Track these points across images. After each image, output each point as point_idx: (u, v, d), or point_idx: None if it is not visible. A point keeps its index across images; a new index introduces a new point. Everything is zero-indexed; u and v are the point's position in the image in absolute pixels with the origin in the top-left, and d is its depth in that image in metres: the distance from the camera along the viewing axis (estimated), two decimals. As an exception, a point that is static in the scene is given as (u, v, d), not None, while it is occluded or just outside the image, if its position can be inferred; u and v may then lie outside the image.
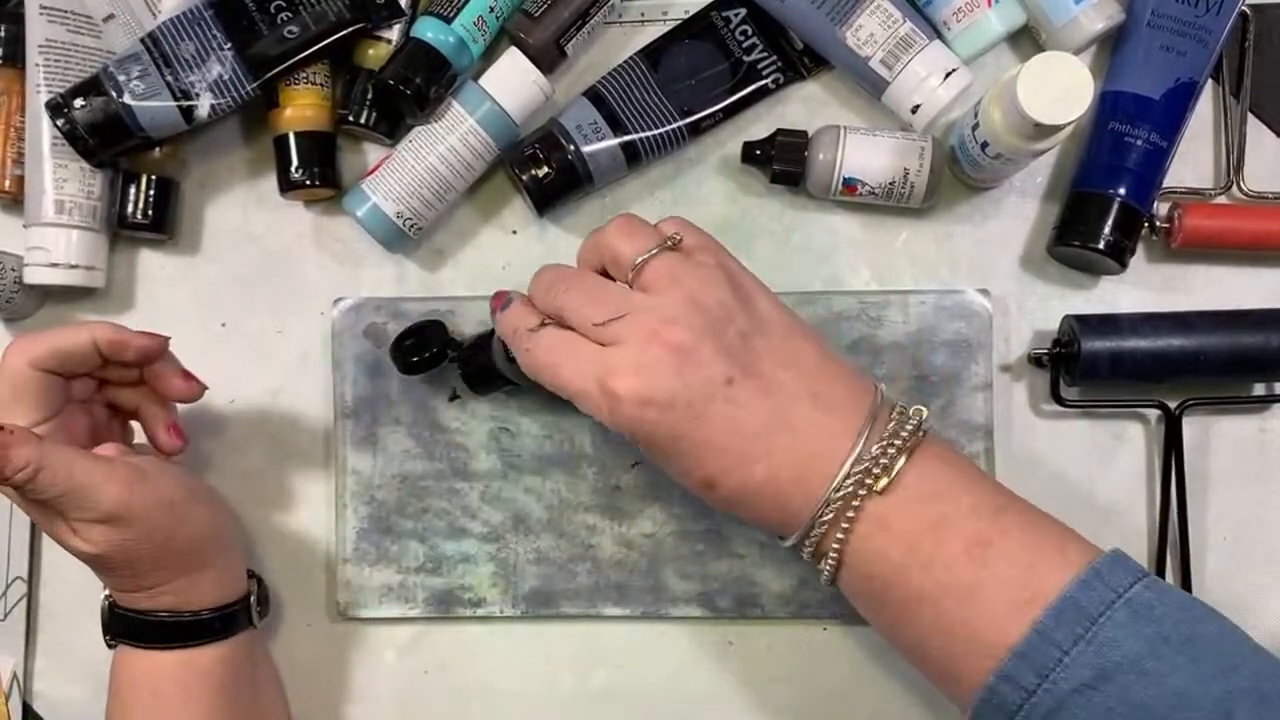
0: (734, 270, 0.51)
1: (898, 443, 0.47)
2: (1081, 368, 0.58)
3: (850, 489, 0.47)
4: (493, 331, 0.57)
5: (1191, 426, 0.61)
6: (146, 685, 0.55)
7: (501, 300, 0.54)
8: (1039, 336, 0.62)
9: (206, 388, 0.58)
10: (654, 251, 0.50)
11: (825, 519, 0.48)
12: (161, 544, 0.53)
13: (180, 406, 0.62)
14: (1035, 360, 0.61)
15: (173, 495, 0.53)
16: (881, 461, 0.47)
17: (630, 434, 0.49)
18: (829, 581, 0.50)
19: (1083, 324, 0.58)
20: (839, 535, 0.48)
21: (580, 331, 0.50)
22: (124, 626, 0.56)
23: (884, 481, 0.47)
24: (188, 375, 0.57)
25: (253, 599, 0.59)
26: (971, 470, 0.49)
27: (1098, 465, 0.62)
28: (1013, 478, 0.61)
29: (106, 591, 0.56)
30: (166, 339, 0.56)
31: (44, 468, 0.49)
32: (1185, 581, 0.60)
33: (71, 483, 0.50)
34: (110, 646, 0.57)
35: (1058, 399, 0.61)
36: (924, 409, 0.49)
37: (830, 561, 0.49)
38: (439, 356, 0.59)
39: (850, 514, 0.47)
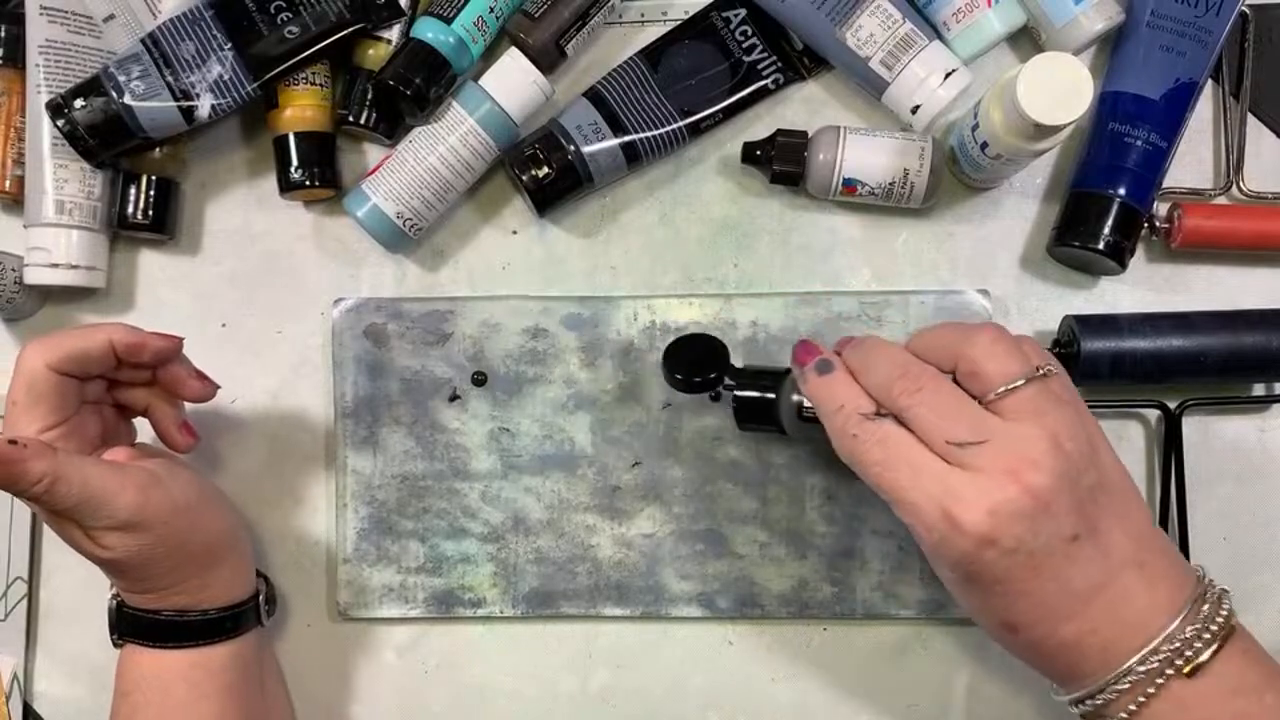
0: (1085, 414, 0.48)
1: (1214, 628, 0.46)
2: (1081, 368, 0.58)
3: (1156, 665, 0.45)
4: (785, 373, 0.54)
5: (1191, 426, 0.61)
6: (156, 684, 0.55)
7: (814, 358, 0.51)
8: (1039, 337, 0.62)
9: (219, 387, 0.58)
10: (1023, 382, 0.46)
11: (1119, 689, 0.46)
12: (176, 547, 0.53)
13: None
14: None
15: (187, 498, 0.54)
16: (1195, 645, 0.45)
17: (952, 564, 0.46)
18: None
19: (1083, 324, 0.58)
20: (1131, 707, 0.46)
21: (926, 441, 0.46)
22: (133, 626, 0.56)
23: (1196, 662, 0.45)
24: (201, 375, 0.58)
25: (261, 598, 0.59)
26: (1275, 667, 0.48)
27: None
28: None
29: (113, 591, 0.56)
30: (181, 340, 0.56)
31: (60, 479, 0.49)
32: (1185, 581, 0.60)
33: (87, 492, 0.50)
34: (117, 646, 0.57)
35: None
36: (1230, 592, 0.48)
37: None
38: (717, 381, 0.56)
39: (1150, 690, 0.45)
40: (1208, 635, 0.46)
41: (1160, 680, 0.45)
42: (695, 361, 0.56)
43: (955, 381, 0.48)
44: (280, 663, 0.63)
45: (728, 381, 0.56)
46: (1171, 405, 0.60)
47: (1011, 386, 0.46)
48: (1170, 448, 0.60)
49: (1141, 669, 0.45)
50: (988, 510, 0.44)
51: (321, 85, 0.62)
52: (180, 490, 0.53)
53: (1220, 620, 0.46)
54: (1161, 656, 0.45)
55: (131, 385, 0.57)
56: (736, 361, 0.57)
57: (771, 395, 0.55)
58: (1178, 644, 0.45)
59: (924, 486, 0.45)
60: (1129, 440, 0.62)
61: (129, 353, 0.54)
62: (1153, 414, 0.61)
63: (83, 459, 0.51)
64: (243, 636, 0.57)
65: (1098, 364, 0.58)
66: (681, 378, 0.56)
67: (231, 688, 0.56)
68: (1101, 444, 0.48)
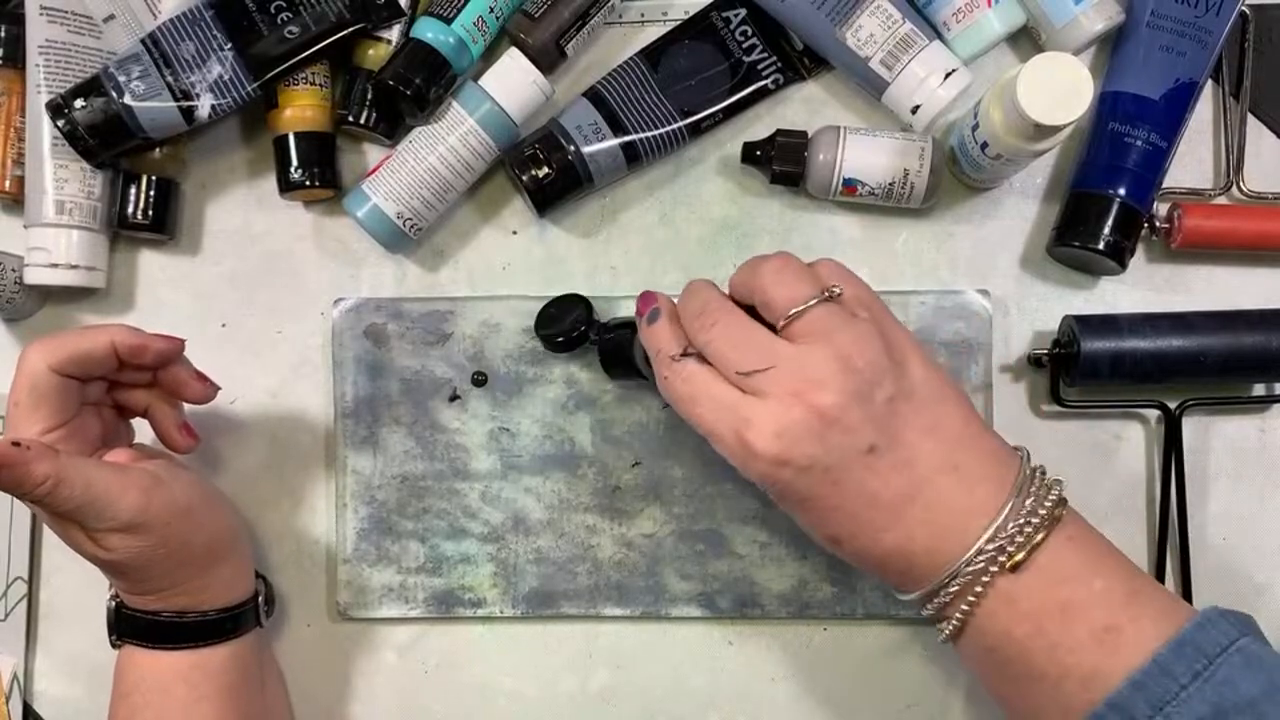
0: (889, 326, 0.49)
1: (1035, 520, 0.46)
2: (1081, 368, 0.58)
3: (981, 565, 0.46)
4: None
5: (1191, 426, 0.61)
6: (155, 685, 0.55)
7: (649, 307, 0.53)
8: (1039, 337, 0.62)
9: (220, 389, 0.58)
10: (811, 304, 0.48)
11: (951, 590, 0.47)
12: (177, 548, 0.53)
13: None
14: (1035, 361, 0.61)
15: (189, 500, 0.54)
16: (1017, 539, 0.46)
17: (760, 484, 0.49)
18: (946, 641, 0.49)
19: (1082, 324, 0.58)
20: (964, 606, 0.47)
21: (723, 373, 0.49)
22: (132, 627, 0.56)
23: (1016, 558, 0.46)
24: (201, 377, 0.58)
25: (261, 599, 0.59)
26: (1105, 549, 0.48)
27: (1098, 465, 0.62)
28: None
29: (112, 592, 0.56)
30: (183, 342, 0.56)
31: (63, 481, 0.49)
32: (1185, 581, 0.60)
33: (90, 494, 0.50)
34: (115, 647, 0.57)
35: (1057, 399, 0.61)
36: (1062, 481, 0.49)
37: (952, 625, 0.48)
38: (582, 338, 0.59)
39: (979, 589, 0.47)
40: (1029, 529, 0.46)
41: (986, 579, 0.46)
42: (563, 321, 0.59)
43: (756, 315, 0.50)
44: (280, 663, 0.63)
45: (592, 337, 0.59)
46: (1171, 405, 0.60)
47: (798, 310, 0.48)
48: (1170, 448, 0.60)
49: (969, 570, 0.46)
50: (775, 432, 0.46)
51: (321, 85, 0.62)
52: (181, 491, 0.53)
53: (1043, 513, 0.47)
54: (986, 556, 0.46)
55: (132, 386, 0.57)
56: (603, 317, 0.60)
57: (627, 343, 0.57)
58: (1000, 542, 0.46)
59: (721, 415, 0.48)
60: (1129, 440, 0.62)
61: (131, 354, 0.54)
62: (1153, 414, 0.61)
63: (85, 461, 0.51)
64: (242, 637, 0.57)
65: (1098, 364, 0.58)
66: (551, 336, 0.59)
67: (230, 689, 0.56)
68: (911, 354, 0.49)
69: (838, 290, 0.49)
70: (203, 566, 0.55)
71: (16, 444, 0.48)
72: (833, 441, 0.46)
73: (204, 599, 0.55)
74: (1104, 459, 0.62)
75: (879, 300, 0.51)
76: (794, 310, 0.48)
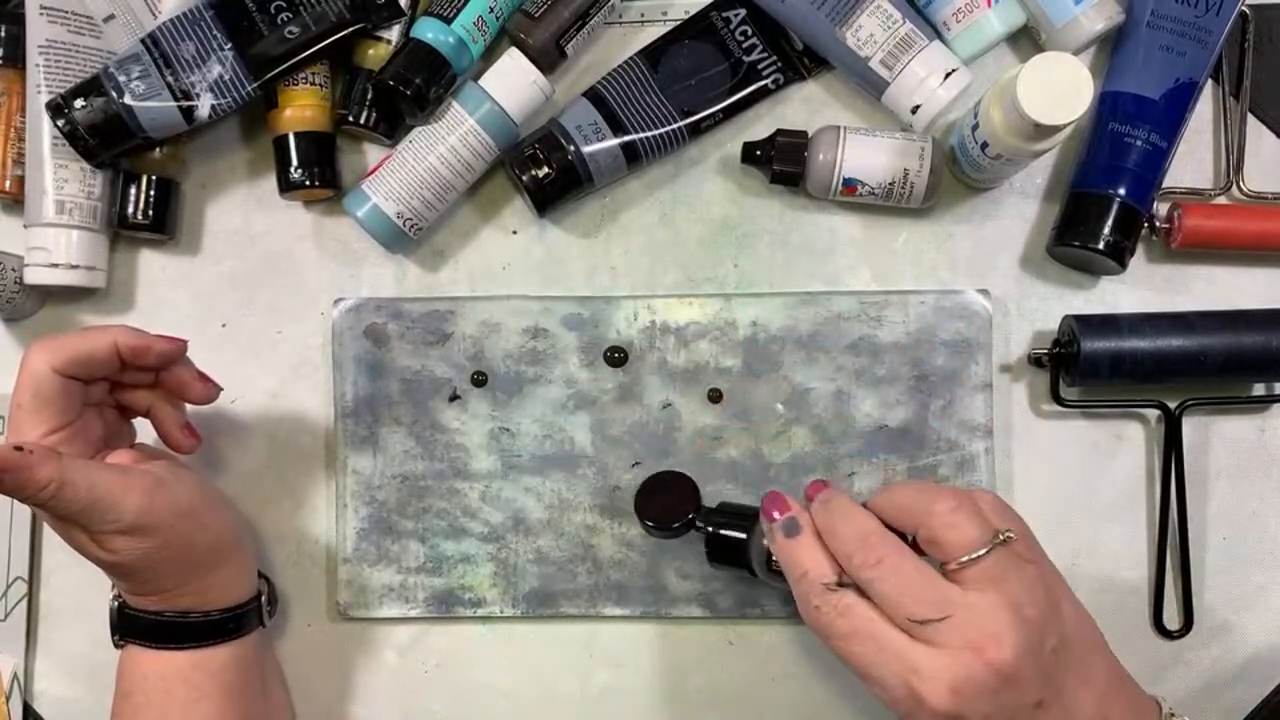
0: (1046, 567, 0.48)
1: None
2: (1081, 368, 0.58)
3: None
4: (756, 515, 0.53)
5: (1191, 426, 0.61)
6: (157, 685, 0.55)
7: (784, 515, 0.50)
8: (1039, 336, 0.62)
9: (222, 389, 0.58)
10: (985, 550, 0.46)
11: None
12: (181, 549, 0.53)
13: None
14: (1035, 360, 0.61)
15: (191, 501, 0.54)
16: None
17: None
18: None
19: (1083, 324, 0.58)
20: None
21: (888, 614, 0.46)
22: (134, 627, 0.56)
23: None
24: (204, 377, 0.57)
25: (263, 598, 0.59)
26: None
27: (1098, 465, 0.62)
28: (1013, 478, 0.62)
29: (115, 592, 0.56)
30: (185, 343, 0.56)
31: (66, 484, 0.49)
32: (1185, 581, 0.60)
33: (93, 496, 0.50)
34: (118, 646, 0.57)
35: (1057, 399, 0.61)
36: None
37: None
38: (689, 525, 0.56)
39: None
40: None
41: None
42: (668, 505, 0.56)
43: (916, 545, 0.48)
44: (280, 663, 0.63)
45: (698, 524, 0.56)
46: (1171, 405, 0.60)
47: (973, 557, 0.46)
48: (1170, 448, 0.60)
49: None
50: (950, 687, 0.44)
51: (321, 85, 0.62)
52: (184, 492, 0.53)
53: None
54: None
55: (134, 387, 0.57)
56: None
57: (743, 536, 0.54)
58: None
59: (888, 662, 0.46)
60: (1129, 440, 0.62)
61: (134, 355, 0.54)
62: (1153, 414, 0.61)
63: (88, 463, 0.51)
64: (244, 638, 0.57)
65: (1098, 364, 0.58)
66: (653, 523, 0.56)
67: (232, 688, 0.56)
68: (1063, 595, 0.48)
69: (1011, 535, 0.47)
70: (206, 567, 0.55)
71: (19, 448, 0.48)
72: (1006, 698, 0.45)
73: (207, 599, 0.55)
74: (1104, 459, 0.62)
75: (1033, 536, 0.49)
76: (969, 556, 0.46)
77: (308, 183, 0.61)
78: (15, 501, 0.62)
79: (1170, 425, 0.60)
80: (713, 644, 0.62)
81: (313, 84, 0.61)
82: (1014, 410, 0.62)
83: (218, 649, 0.56)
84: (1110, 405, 0.61)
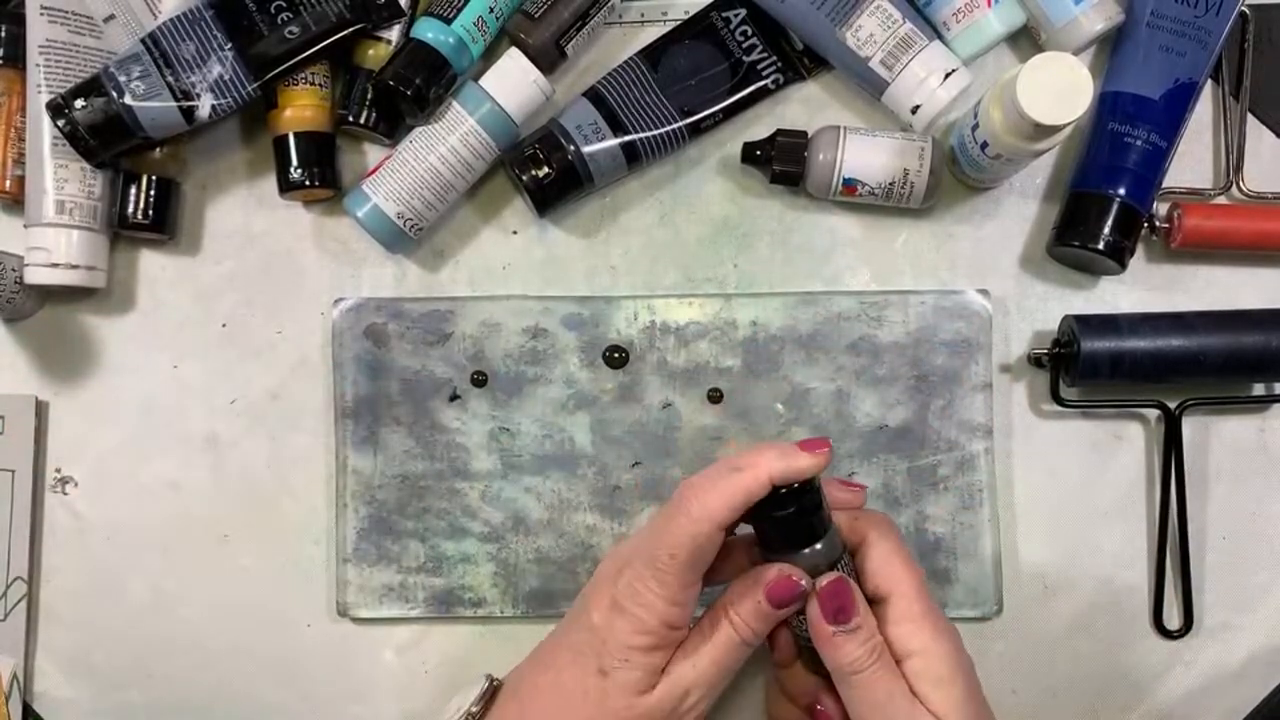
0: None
1: None
2: (1081, 368, 0.58)
3: None
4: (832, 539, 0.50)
5: (1191, 426, 0.61)
6: None
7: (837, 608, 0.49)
8: (1039, 336, 0.62)
9: (866, 487, 0.53)
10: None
11: None
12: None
13: (179, 405, 0.62)
14: (1035, 360, 0.61)
15: None
16: None
17: None
18: None
19: (1082, 324, 0.58)
20: None
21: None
22: None
23: None
24: (847, 483, 0.52)
25: None
26: None
27: (1098, 465, 0.62)
28: (1013, 478, 0.62)
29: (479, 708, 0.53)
30: (863, 488, 0.52)
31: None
32: (1185, 581, 0.60)
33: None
34: None
35: (1057, 399, 0.61)
36: None
37: None
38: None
39: None
40: None
41: None
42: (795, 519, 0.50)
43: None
44: (280, 663, 0.63)
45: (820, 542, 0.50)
46: (1171, 405, 0.60)
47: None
48: (1170, 448, 0.60)
49: None
50: None
51: (321, 85, 0.62)
52: None
53: None
54: None
55: None
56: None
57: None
58: None
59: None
60: (1129, 440, 0.62)
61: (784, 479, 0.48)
62: (1152, 414, 0.61)
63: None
64: None
65: (1097, 364, 0.58)
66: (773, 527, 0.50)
67: None
68: None
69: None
70: None
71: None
72: None
73: None
74: (1104, 459, 0.62)
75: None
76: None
77: (308, 183, 0.61)
78: (15, 501, 0.62)
79: (1170, 425, 0.60)
80: (713, 644, 0.62)
81: (313, 84, 0.61)
82: (1014, 410, 0.62)
83: None
84: (1110, 405, 0.61)
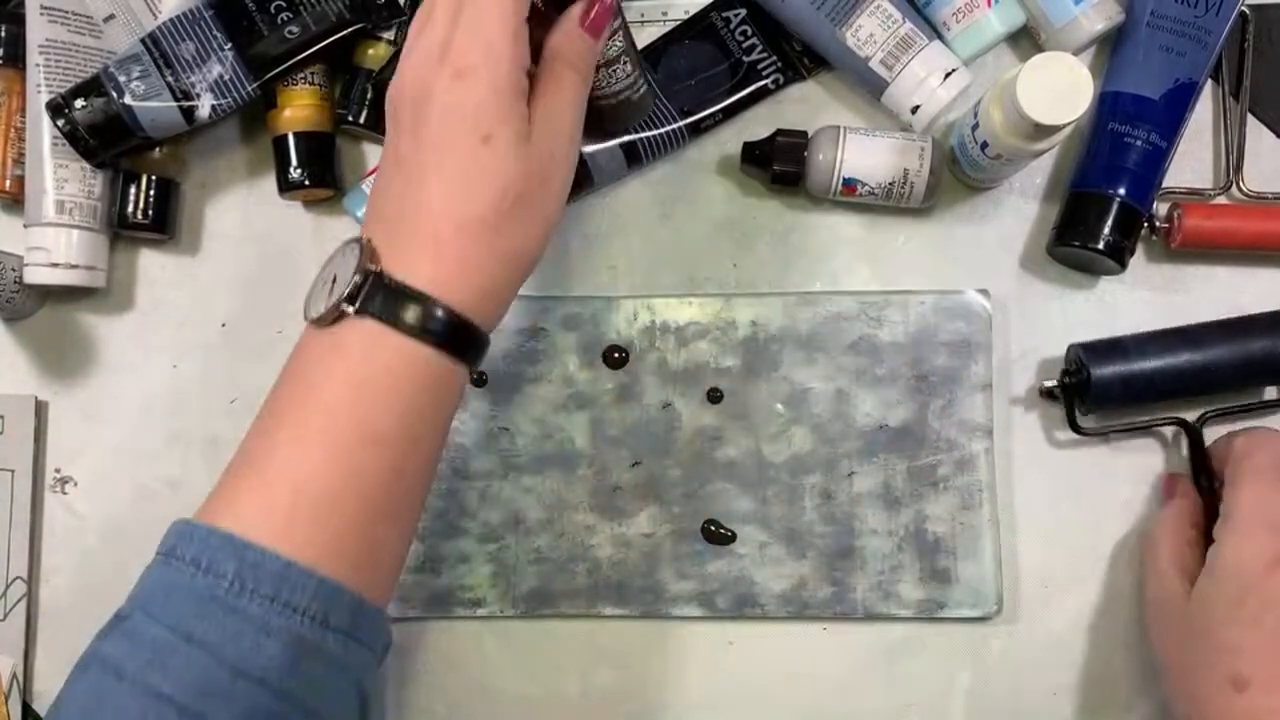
0: None
1: None
2: (1094, 395, 0.57)
3: None
4: None
5: (1213, 438, 0.59)
6: (408, 383, 0.46)
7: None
8: (1038, 334, 0.62)
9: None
10: None
11: None
12: (554, 214, 0.49)
13: (179, 404, 0.62)
14: (1047, 393, 0.61)
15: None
16: None
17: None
18: None
19: (1089, 351, 0.58)
20: None
21: None
22: (394, 300, 0.46)
23: None
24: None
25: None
26: None
27: (1126, 489, 0.61)
28: (1013, 478, 0.61)
29: (363, 264, 0.46)
30: None
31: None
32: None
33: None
34: (337, 318, 0.46)
35: (1075, 428, 0.60)
36: None
37: None
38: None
39: None
40: None
41: None
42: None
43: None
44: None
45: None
46: (1191, 418, 0.59)
47: None
48: (1196, 460, 0.59)
49: None
50: None
51: (320, 85, 0.62)
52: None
53: None
54: None
55: None
56: None
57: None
58: None
59: None
60: (1152, 461, 0.61)
61: None
62: (1172, 430, 0.61)
63: None
64: (463, 377, 0.49)
65: (1109, 389, 0.57)
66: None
67: (444, 417, 0.49)
68: None
69: None
70: (529, 264, 0.49)
71: None
72: None
73: (488, 307, 0.48)
74: (1132, 483, 0.61)
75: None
76: None
77: (307, 183, 0.61)
78: (15, 501, 0.62)
79: (1193, 439, 0.59)
80: (713, 644, 0.62)
81: (311, 84, 0.61)
82: (1031, 444, 0.61)
83: (455, 365, 0.47)
84: (1128, 429, 0.60)
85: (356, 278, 0.46)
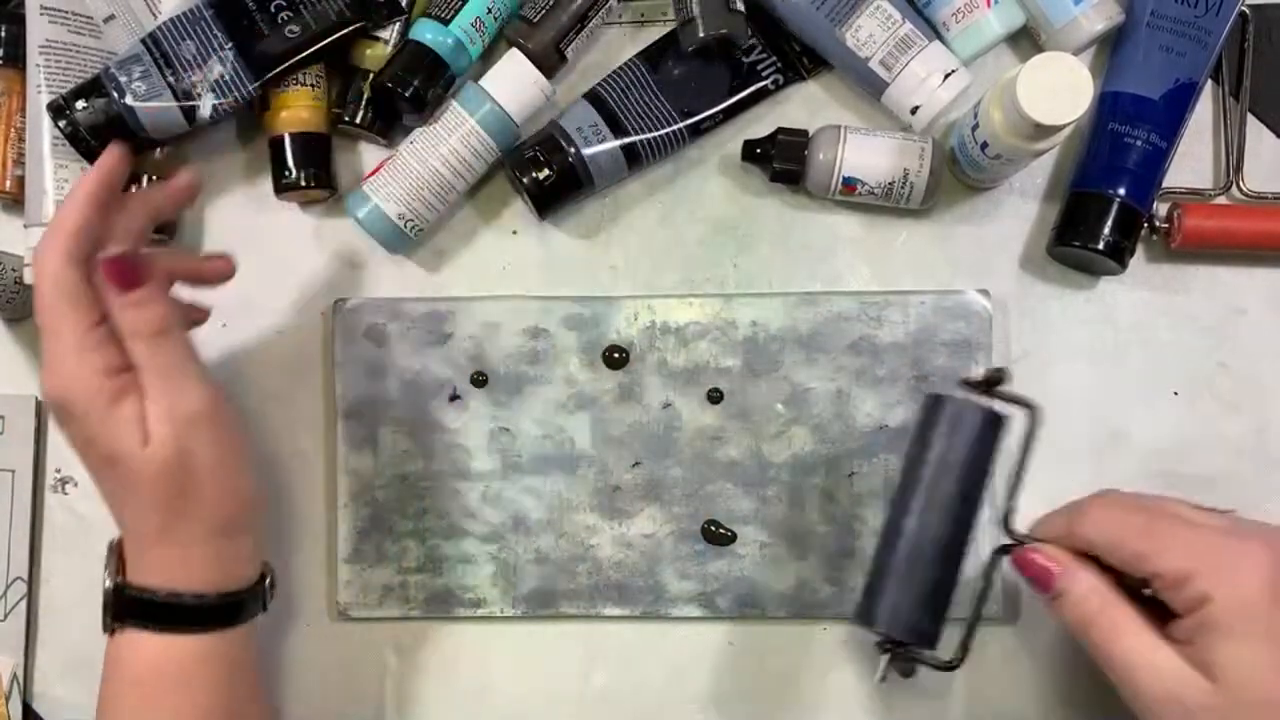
0: None
1: None
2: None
3: None
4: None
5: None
6: (175, 674, 0.52)
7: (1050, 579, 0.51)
8: (1038, 336, 0.62)
9: (234, 263, 0.58)
10: None
11: None
12: (222, 483, 0.51)
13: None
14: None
15: (242, 433, 0.53)
16: None
17: None
18: None
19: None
20: None
21: None
22: (141, 608, 0.52)
23: None
24: (212, 256, 0.57)
25: (268, 581, 0.57)
26: None
27: (1100, 466, 0.61)
28: (1039, 508, 0.61)
29: (112, 569, 0.53)
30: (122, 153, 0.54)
31: (169, 326, 0.50)
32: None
33: (185, 353, 0.50)
34: (110, 631, 0.54)
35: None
36: None
37: None
38: None
39: None
40: None
41: None
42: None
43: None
44: (280, 663, 0.63)
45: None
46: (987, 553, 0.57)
47: None
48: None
49: None
50: None
51: (315, 86, 0.62)
52: (237, 422, 0.53)
53: None
54: None
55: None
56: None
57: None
58: None
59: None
60: (1134, 446, 0.61)
61: (109, 191, 0.52)
62: (1137, 426, 0.61)
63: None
64: (248, 624, 0.55)
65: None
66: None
67: (242, 671, 0.54)
68: None
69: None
70: (235, 527, 0.53)
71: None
72: None
73: (223, 573, 0.53)
74: (1106, 462, 0.61)
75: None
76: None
77: (303, 184, 0.61)
78: (16, 501, 0.62)
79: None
80: (712, 644, 0.62)
81: (306, 85, 0.61)
82: None
83: (222, 635, 0.53)
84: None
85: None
